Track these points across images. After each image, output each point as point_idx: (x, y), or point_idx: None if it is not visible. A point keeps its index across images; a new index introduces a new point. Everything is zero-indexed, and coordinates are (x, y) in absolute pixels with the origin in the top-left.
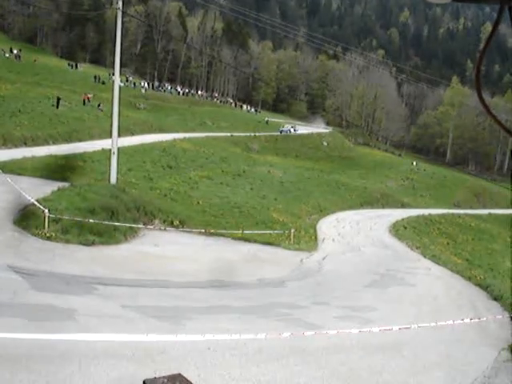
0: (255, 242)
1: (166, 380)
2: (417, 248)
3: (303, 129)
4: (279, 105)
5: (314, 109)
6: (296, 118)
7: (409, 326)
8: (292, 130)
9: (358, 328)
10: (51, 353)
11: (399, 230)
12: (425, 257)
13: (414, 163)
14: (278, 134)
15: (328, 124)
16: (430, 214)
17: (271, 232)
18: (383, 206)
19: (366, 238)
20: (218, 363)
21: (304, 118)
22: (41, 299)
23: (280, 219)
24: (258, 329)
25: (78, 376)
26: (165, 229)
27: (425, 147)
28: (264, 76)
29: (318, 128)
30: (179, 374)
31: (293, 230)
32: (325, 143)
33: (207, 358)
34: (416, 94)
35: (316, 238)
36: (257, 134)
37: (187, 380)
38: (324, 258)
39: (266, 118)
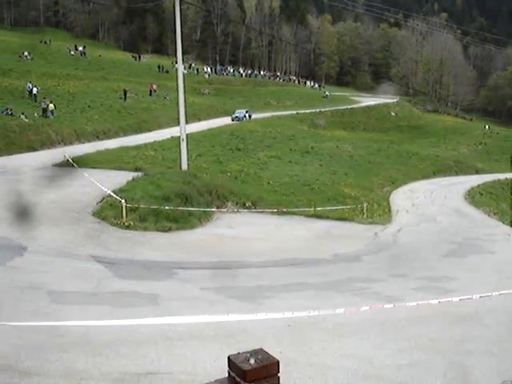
0: (328, 218)
1: (248, 355)
2: (494, 214)
3: (369, 100)
4: (343, 78)
5: (378, 79)
6: (361, 89)
7: (490, 294)
8: (247, 115)
9: (437, 298)
10: (138, 337)
11: (475, 196)
12: (503, 223)
13: (487, 127)
14: (344, 108)
15: (394, 93)
16: (506, 179)
17: (343, 207)
18: (457, 174)
19: (441, 207)
20: (299, 339)
21: (369, 89)
22: (124, 286)
23: (352, 194)
24: (337, 304)
25: (165, 357)
26: (237, 211)
27: (496, 110)
28: (325, 50)
29: (384, 98)
30: (261, 349)
31: (365, 204)
32: (392, 113)
33: (287, 335)
34: (483, 55)
35: (389, 210)
36: (322, 110)
37: (268, 353)
38: (399, 230)
39: (326, 92)
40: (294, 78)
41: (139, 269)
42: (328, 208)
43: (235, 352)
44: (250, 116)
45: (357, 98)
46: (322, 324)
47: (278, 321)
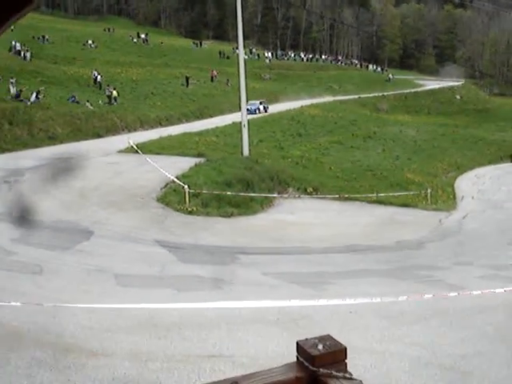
0: (391, 204)
1: (316, 340)
2: None
3: (434, 83)
4: (406, 61)
5: (443, 62)
6: (425, 72)
7: None
8: (261, 107)
9: (502, 287)
10: (201, 320)
11: None
12: None
13: None
14: (408, 91)
15: (459, 76)
16: None
17: (407, 193)
18: None
19: (509, 193)
20: (361, 326)
21: (433, 72)
22: (188, 270)
23: (415, 179)
24: (399, 291)
25: (227, 341)
26: (299, 196)
27: None
28: (388, 33)
29: (449, 81)
30: (329, 335)
31: (429, 190)
32: (458, 96)
33: (349, 322)
34: None
35: (454, 196)
36: (385, 94)
37: (335, 339)
38: (464, 217)
39: (389, 76)
40: (356, 61)
41: (202, 253)
42: (391, 194)
43: (297, 337)
44: (265, 108)
45: (420, 82)
46: (385, 311)
47: (339, 307)
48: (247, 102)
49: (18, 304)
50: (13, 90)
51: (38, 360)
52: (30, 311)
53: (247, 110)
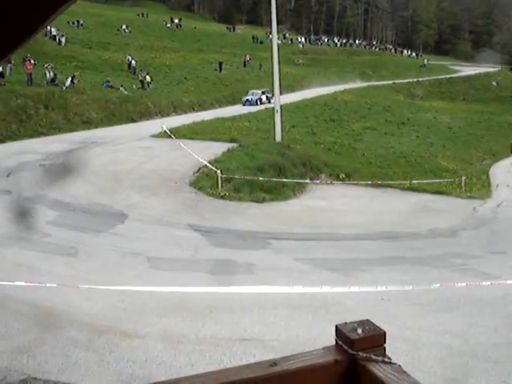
0: (424, 191)
1: (356, 325)
2: None
3: (469, 69)
4: (442, 46)
5: (479, 47)
6: (461, 58)
7: None
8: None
9: None
10: (233, 304)
11: None
12: None
13: None
14: (443, 77)
15: (496, 62)
16: None
17: (441, 181)
18: None
19: None
20: (393, 313)
21: (469, 58)
22: (220, 255)
23: (449, 167)
24: (432, 279)
25: (259, 325)
26: (331, 182)
27: None
28: (423, 18)
29: (485, 67)
30: (368, 320)
31: (464, 178)
32: (494, 83)
33: (381, 309)
34: None
35: (489, 184)
36: (420, 80)
37: (374, 324)
38: (499, 206)
39: (425, 61)
40: (391, 46)
41: (234, 238)
42: (424, 181)
43: (329, 324)
44: (268, 99)
45: (456, 67)
46: (417, 299)
47: (371, 294)
48: (247, 92)
49: (54, 285)
50: (48, 75)
51: (73, 340)
52: (65, 292)
53: (246, 100)
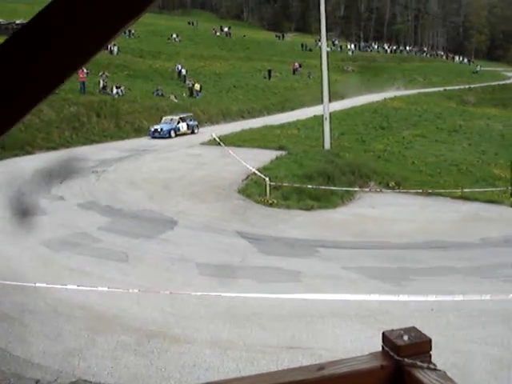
0: (476, 200)
1: (402, 332)
2: None
3: None
4: (494, 52)
5: None
6: None
7: None
8: (183, 126)
9: None
10: (280, 311)
11: None
12: None
13: None
14: (496, 84)
15: None
16: None
17: (493, 189)
18: None
19: None
20: (442, 324)
21: None
22: (268, 262)
23: (502, 175)
24: (483, 290)
25: (306, 333)
26: (380, 190)
27: None
28: (475, 23)
29: None
30: (414, 327)
31: None
32: None
33: (430, 319)
34: None
35: None
36: (472, 86)
37: (420, 331)
38: None
39: (477, 67)
40: (442, 52)
41: (282, 246)
42: (476, 190)
43: (376, 332)
44: (191, 128)
45: (509, 74)
46: (467, 310)
47: (420, 304)
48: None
49: (105, 289)
50: (102, 83)
51: (123, 344)
52: (116, 296)
53: (155, 131)
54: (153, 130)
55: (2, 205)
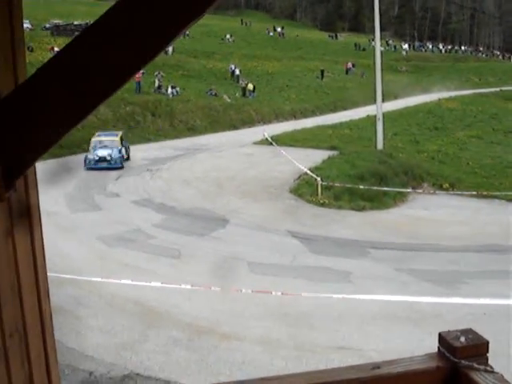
0: None
1: (459, 333)
2: None
3: None
4: None
5: None
6: None
7: None
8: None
9: None
10: (330, 312)
11: None
12: None
13: None
14: None
15: None
16: None
17: None
18: None
19: None
20: (495, 329)
21: None
22: (318, 262)
23: None
24: None
25: (356, 334)
26: (434, 192)
27: None
28: None
29: None
30: (471, 329)
31: None
32: None
33: (483, 323)
34: None
35: None
36: None
37: (478, 334)
38: None
39: None
40: (498, 52)
41: (333, 246)
42: None
43: (426, 335)
44: (122, 152)
45: None
46: None
47: (473, 307)
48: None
49: (158, 284)
50: (157, 83)
51: (174, 339)
52: (168, 292)
53: (97, 160)
54: (94, 158)
55: (61, 201)
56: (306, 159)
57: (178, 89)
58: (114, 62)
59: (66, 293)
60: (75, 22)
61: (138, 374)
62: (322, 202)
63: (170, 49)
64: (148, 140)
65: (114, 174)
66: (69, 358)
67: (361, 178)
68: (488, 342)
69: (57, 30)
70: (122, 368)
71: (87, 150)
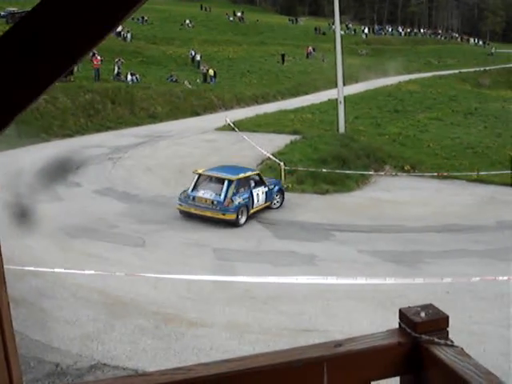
0: (492, 183)
1: (419, 308)
2: None
3: None
4: (510, 34)
5: None
6: None
7: None
8: None
9: None
10: (296, 295)
11: None
12: None
13: None
14: (511, 66)
15: None
16: None
17: (509, 172)
18: None
19: None
20: (458, 307)
21: None
22: (283, 246)
23: None
24: (499, 272)
25: (322, 316)
26: (396, 174)
27: None
28: (490, 5)
29: None
30: (431, 304)
31: None
32: None
33: (446, 302)
34: None
35: None
36: (487, 68)
37: (437, 308)
38: None
39: (492, 49)
40: (457, 35)
41: (297, 230)
42: (492, 172)
43: (393, 315)
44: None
45: None
46: (483, 292)
47: (436, 287)
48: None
49: (122, 274)
50: (116, 70)
51: (141, 328)
52: (133, 281)
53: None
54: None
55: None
56: (268, 144)
57: (137, 76)
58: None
59: (29, 285)
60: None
61: (105, 364)
62: (285, 186)
63: (129, 35)
64: (108, 128)
65: (73, 164)
66: (34, 350)
67: (323, 162)
68: (448, 317)
69: (12, 18)
70: (89, 358)
71: (47, 140)
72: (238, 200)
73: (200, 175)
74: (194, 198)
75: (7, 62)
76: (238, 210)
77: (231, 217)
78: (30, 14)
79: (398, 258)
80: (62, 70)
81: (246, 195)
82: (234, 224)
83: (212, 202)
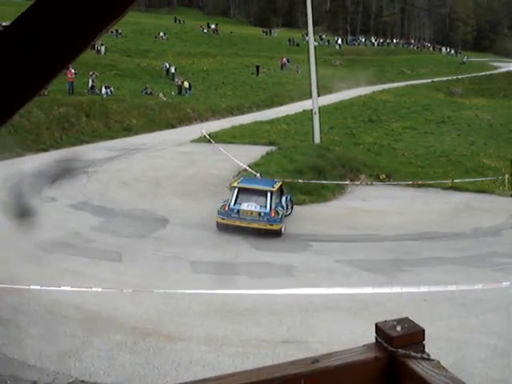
0: (466, 190)
1: (395, 322)
2: None
3: (510, 65)
4: (481, 43)
5: None
6: (501, 54)
7: None
8: None
9: None
10: (274, 307)
11: None
12: None
13: None
14: (483, 74)
15: None
16: None
17: (483, 179)
18: None
19: None
20: (436, 314)
21: (510, 54)
22: (261, 257)
23: (492, 165)
24: (475, 279)
25: (301, 327)
26: (371, 183)
27: None
28: (461, 14)
29: None
30: (407, 318)
31: (507, 176)
32: None
33: (423, 310)
34: None
35: None
36: (459, 77)
37: (413, 322)
38: None
39: (464, 58)
40: (429, 44)
41: (275, 241)
42: (466, 180)
43: (371, 324)
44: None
45: (496, 64)
46: (460, 299)
47: (413, 295)
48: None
49: (99, 290)
50: (91, 83)
51: (119, 343)
52: (111, 296)
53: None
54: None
55: None
56: (244, 155)
57: (112, 88)
58: (36, 62)
59: (4, 302)
60: (3, 23)
61: (83, 381)
62: None
63: (103, 48)
64: (83, 141)
65: (48, 178)
66: (10, 368)
67: (299, 173)
68: (424, 330)
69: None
70: (67, 376)
71: (21, 154)
72: (280, 210)
73: (240, 189)
74: (238, 212)
75: (7, 57)
76: (282, 219)
77: (278, 227)
78: (30, 9)
79: (374, 267)
80: (63, 65)
81: (280, 205)
82: (279, 234)
83: (259, 214)
